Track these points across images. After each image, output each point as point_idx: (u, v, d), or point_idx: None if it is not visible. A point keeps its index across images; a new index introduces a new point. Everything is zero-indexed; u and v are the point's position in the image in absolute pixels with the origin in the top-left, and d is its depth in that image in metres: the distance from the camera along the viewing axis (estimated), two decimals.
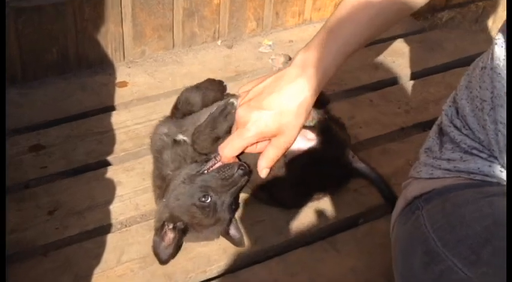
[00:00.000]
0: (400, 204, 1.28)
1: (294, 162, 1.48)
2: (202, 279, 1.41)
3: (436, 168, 1.21)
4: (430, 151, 1.26)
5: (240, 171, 1.35)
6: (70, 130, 1.75)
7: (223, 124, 1.39)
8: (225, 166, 1.35)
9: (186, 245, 1.43)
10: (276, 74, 1.23)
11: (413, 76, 2.11)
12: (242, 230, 1.46)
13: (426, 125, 1.84)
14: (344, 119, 1.79)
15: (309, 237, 1.52)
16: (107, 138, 1.74)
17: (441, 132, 1.26)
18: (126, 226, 1.51)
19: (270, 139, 1.26)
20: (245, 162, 1.37)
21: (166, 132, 1.53)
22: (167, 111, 1.69)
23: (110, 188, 1.59)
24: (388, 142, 1.81)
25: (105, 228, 1.50)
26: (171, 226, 1.38)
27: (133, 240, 1.46)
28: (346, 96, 1.98)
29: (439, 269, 1.06)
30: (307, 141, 1.50)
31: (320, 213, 1.56)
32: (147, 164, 1.64)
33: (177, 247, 1.40)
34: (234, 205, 1.42)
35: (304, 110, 1.20)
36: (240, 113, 1.25)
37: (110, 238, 1.46)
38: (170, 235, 1.38)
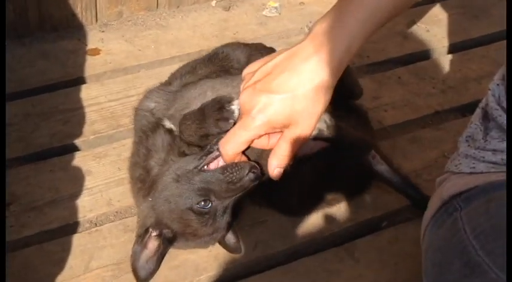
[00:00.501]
0: (433, 204, 1.27)
1: (300, 164, 1.47)
2: None
3: (478, 160, 1.21)
4: (472, 140, 1.25)
5: (252, 175, 1.31)
6: (30, 107, 1.74)
7: (213, 129, 1.35)
8: (233, 166, 1.31)
9: (169, 251, 1.41)
10: (289, 50, 1.22)
11: (452, 49, 2.10)
12: (239, 233, 1.45)
13: (466, 109, 1.83)
14: (366, 100, 1.79)
15: (320, 243, 1.52)
16: (75, 117, 1.73)
17: (486, 117, 1.25)
18: (96, 225, 1.50)
19: (281, 131, 1.25)
20: (257, 162, 1.35)
21: (153, 108, 1.51)
22: (149, 86, 1.67)
23: (77, 179, 1.58)
24: (419, 129, 1.80)
25: (71, 228, 1.49)
26: (155, 233, 1.36)
27: (105, 242, 1.45)
28: (369, 72, 1.97)
29: None
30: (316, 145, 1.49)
31: (334, 215, 1.56)
32: (123, 150, 1.63)
33: (160, 261, 1.38)
34: (236, 209, 1.40)
35: (323, 94, 1.20)
36: (244, 99, 1.24)
37: (77, 239, 1.46)
38: (154, 244, 1.36)
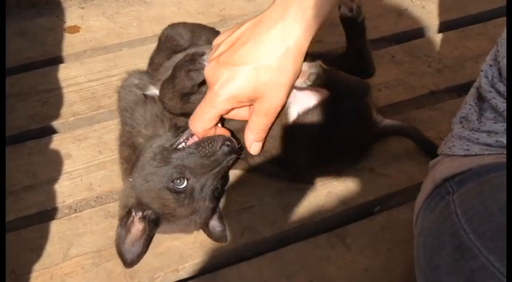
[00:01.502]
0: (426, 187, 1.27)
1: (305, 124, 1.47)
2: (173, 280, 1.41)
3: (473, 142, 1.21)
4: (466, 121, 1.26)
5: (225, 148, 1.32)
6: (7, 87, 1.73)
7: (185, 81, 1.35)
8: (206, 140, 1.33)
9: (153, 238, 1.42)
10: (256, 18, 1.22)
11: (448, 26, 2.10)
12: (225, 220, 1.46)
13: (462, 89, 1.84)
14: None
15: (310, 229, 1.52)
16: (54, 98, 1.73)
17: (480, 98, 1.25)
18: (75, 211, 1.51)
19: (251, 104, 1.25)
20: (234, 136, 1.35)
21: (137, 83, 1.51)
22: (131, 65, 1.67)
23: (55, 163, 1.58)
24: (414, 109, 1.81)
25: (49, 214, 1.49)
26: (139, 215, 1.36)
27: (85, 229, 1.46)
28: None
29: (469, 268, 1.06)
30: (314, 95, 1.48)
31: (326, 199, 1.56)
32: (104, 132, 1.63)
33: (147, 243, 1.39)
34: (218, 191, 1.40)
35: (290, 63, 1.19)
36: (208, 72, 1.24)
37: (55, 226, 1.46)
38: (138, 227, 1.36)
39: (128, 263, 1.35)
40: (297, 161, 1.52)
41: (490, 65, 1.23)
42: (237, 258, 1.45)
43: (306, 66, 1.38)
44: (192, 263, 1.43)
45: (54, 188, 1.52)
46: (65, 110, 1.70)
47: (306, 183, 1.58)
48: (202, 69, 1.31)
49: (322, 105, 1.47)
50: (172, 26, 1.62)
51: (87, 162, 1.59)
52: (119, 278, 1.37)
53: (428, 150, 1.62)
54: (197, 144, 1.34)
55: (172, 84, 1.37)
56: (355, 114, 1.52)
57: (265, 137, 1.38)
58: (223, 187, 1.45)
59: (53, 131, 1.67)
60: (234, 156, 1.35)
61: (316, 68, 1.39)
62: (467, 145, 1.21)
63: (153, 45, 1.80)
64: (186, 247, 1.44)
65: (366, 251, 1.47)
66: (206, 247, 1.45)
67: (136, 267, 1.38)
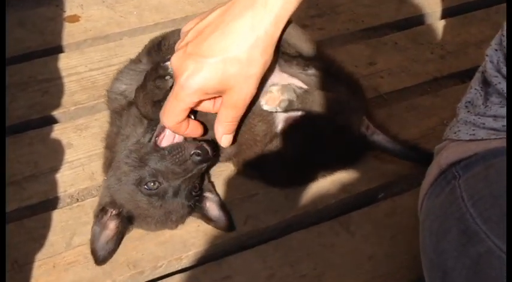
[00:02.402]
0: (432, 173, 1.27)
1: (288, 132, 1.46)
2: (176, 269, 1.41)
3: (479, 127, 1.20)
4: (472, 106, 1.25)
5: (196, 158, 1.30)
6: (7, 77, 1.72)
7: (155, 90, 1.33)
8: (177, 147, 1.32)
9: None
10: (226, 5, 1.19)
11: (450, 12, 2.08)
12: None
13: (466, 75, 1.83)
14: (361, 66, 1.79)
15: (314, 217, 1.52)
16: (54, 87, 1.72)
17: (486, 82, 1.24)
18: (78, 200, 1.50)
19: (219, 96, 1.23)
20: (209, 140, 1.34)
21: (124, 90, 1.50)
22: (132, 54, 1.66)
23: (57, 152, 1.57)
24: (417, 96, 1.80)
25: (51, 203, 1.49)
26: (114, 212, 1.36)
27: (88, 218, 1.44)
28: (364, 38, 1.96)
29: (476, 252, 1.05)
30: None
31: (329, 187, 1.56)
32: (105, 121, 1.61)
33: (119, 240, 1.38)
34: (195, 190, 1.38)
35: (260, 53, 1.17)
36: (174, 63, 1.21)
37: (58, 215, 1.45)
38: (113, 224, 1.36)
39: (100, 260, 1.35)
40: (274, 169, 1.50)
41: (496, 50, 1.23)
42: (240, 247, 1.45)
43: (277, 91, 1.37)
44: (195, 251, 1.42)
45: (56, 177, 1.52)
46: (65, 100, 1.69)
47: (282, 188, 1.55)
48: (167, 75, 1.29)
49: (308, 115, 1.45)
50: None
51: (88, 152, 1.58)
52: (121, 267, 1.37)
53: (423, 162, 1.52)
54: (170, 149, 1.32)
55: (143, 92, 1.36)
56: (341, 131, 1.49)
57: (237, 129, 1.37)
58: (201, 185, 1.42)
59: (54, 121, 1.66)
60: (205, 165, 1.33)
61: (288, 93, 1.37)
62: (473, 130, 1.21)
63: (153, 34, 1.79)
64: (189, 235, 1.44)
65: (370, 238, 1.46)
66: (209, 235, 1.44)
67: (139, 256, 1.38)
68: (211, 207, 1.44)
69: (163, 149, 1.33)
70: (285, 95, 1.37)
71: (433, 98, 1.79)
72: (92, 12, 1.96)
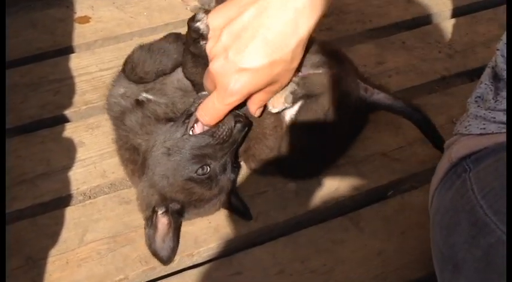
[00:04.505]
0: (442, 167, 1.27)
1: (297, 121, 1.46)
2: (188, 265, 1.42)
3: (489, 121, 1.20)
4: (482, 100, 1.25)
5: (239, 125, 1.34)
6: (18, 77, 1.74)
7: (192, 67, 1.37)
8: (220, 127, 1.34)
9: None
10: (259, 2, 1.18)
11: (458, 12, 2.09)
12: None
13: (474, 73, 1.83)
14: (370, 65, 1.80)
15: (324, 213, 1.52)
16: (65, 87, 1.73)
17: (496, 77, 1.25)
18: (90, 198, 1.51)
19: None
20: (239, 111, 1.36)
21: (124, 92, 1.51)
22: None
23: (69, 150, 1.58)
24: (425, 94, 1.80)
25: (64, 200, 1.50)
26: (162, 210, 1.37)
27: (100, 215, 1.46)
28: (372, 37, 1.97)
29: (486, 243, 1.06)
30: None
31: (338, 184, 1.56)
32: None
33: (177, 235, 1.39)
34: (235, 163, 1.42)
35: (301, 50, 1.19)
36: (217, 69, 1.22)
37: (70, 212, 1.46)
38: (163, 221, 1.37)
39: (165, 260, 1.37)
40: (292, 160, 1.50)
41: (506, 43, 1.23)
42: (251, 243, 1.46)
43: (277, 94, 1.38)
44: (206, 247, 1.43)
45: (69, 175, 1.53)
46: (77, 99, 1.70)
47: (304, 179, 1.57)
48: (202, 38, 1.29)
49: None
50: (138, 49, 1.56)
51: (100, 150, 1.59)
52: (134, 263, 1.38)
53: (426, 128, 1.59)
54: (211, 133, 1.34)
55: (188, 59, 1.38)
56: (337, 107, 1.48)
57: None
58: (238, 160, 1.47)
59: (65, 120, 1.67)
60: (247, 128, 1.37)
61: (287, 87, 1.37)
62: (484, 124, 1.21)
63: (163, 35, 1.81)
64: (200, 232, 1.45)
65: (380, 234, 1.47)
66: (220, 232, 1.45)
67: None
68: (232, 197, 1.46)
69: (202, 135, 1.35)
70: (285, 90, 1.37)
71: (442, 96, 1.79)
72: (102, 13, 1.97)
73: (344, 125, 1.49)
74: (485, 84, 1.26)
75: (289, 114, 1.44)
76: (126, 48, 1.83)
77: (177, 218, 1.38)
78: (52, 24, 1.91)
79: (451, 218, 1.17)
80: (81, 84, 1.74)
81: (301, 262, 1.42)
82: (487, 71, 1.29)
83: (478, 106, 1.25)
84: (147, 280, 1.39)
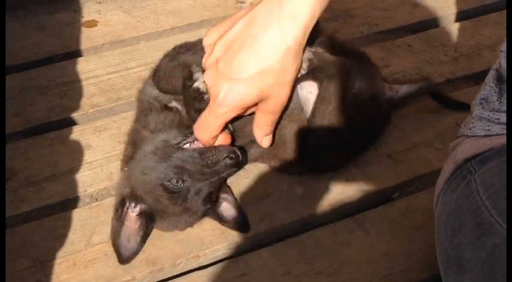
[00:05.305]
0: (447, 169, 1.27)
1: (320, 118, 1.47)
2: (194, 267, 1.42)
3: (493, 122, 1.20)
4: (487, 102, 1.25)
5: (228, 161, 1.32)
6: (26, 81, 1.75)
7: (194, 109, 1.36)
8: (212, 150, 1.34)
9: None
10: (247, 15, 1.19)
11: (464, 15, 2.09)
12: (245, 207, 1.47)
13: (479, 76, 1.83)
14: None
15: (329, 215, 1.52)
16: (73, 90, 1.74)
17: (500, 79, 1.25)
18: (97, 200, 1.52)
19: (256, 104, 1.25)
20: (240, 146, 1.37)
21: (157, 96, 1.51)
22: (149, 57, 1.68)
23: (76, 153, 1.59)
24: (431, 97, 1.78)
25: (71, 203, 1.50)
26: (133, 208, 1.37)
27: (107, 217, 1.46)
28: (378, 40, 1.98)
29: (491, 243, 1.06)
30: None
31: (344, 186, 1.57)
32: (123, 123, 1.64)
33: (144, 239, 1.39)
34: (213, 196, 1.39)
35: (292, 60, 1.17)
36: (209, 81, 1.22)
37: (77, 214, 1.47)
38: (134, 221, 1.37)
39: (124, 260, 1.36)
40: (320, 154, 1.51)
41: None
42: (257, 245, 1.46)
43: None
44: (212, 249, 1.43)
45: (76, 177, 1.53)
46: (84, 102, 1.71)
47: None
48: (203, 94, 1.30)
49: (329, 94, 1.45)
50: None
51: (107, 153, 1.60)
52: (141, 264, 1.38)
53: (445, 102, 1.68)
54: (202, 151, 1.34)
55: (187, 106, 1.38)
56: (364, 93, 1.50)
57: (275, 130, 1.39)
58: (218, 193, 1.43)
59: (73, 123, 1.68)
60: (235, 169, 1.36)
61: (306, 53, 1.34)
62: (488, 125, 1.21)
63: (169, 38, 1.84)
64: (206, 234, 1.45)
65: (385, 235, 1.47)
66: (226, 234, 1.45)
67: (159, 253, 1.40)
68: (227, 208, 1.45)
69: (194, 150, 1.34)
70: (304, 55, 1.35)
71: None
72: (110, 17, 1.98)
73: (369, 123, 1.53)
74: (490, 86, 1.26)
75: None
76: (132, 52, 1.86)
77: (148, 222, 1.38)
78: (60, 28, 1.93)
79: (456, 219, 1.17)
80: (88, 87, 1.75)
81: (307, 263, 1.42)
82: (491, 73, 1.29)
83: (483, 108, 1.25)
84: None
